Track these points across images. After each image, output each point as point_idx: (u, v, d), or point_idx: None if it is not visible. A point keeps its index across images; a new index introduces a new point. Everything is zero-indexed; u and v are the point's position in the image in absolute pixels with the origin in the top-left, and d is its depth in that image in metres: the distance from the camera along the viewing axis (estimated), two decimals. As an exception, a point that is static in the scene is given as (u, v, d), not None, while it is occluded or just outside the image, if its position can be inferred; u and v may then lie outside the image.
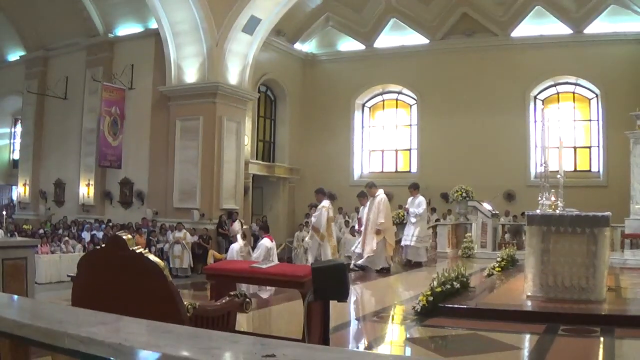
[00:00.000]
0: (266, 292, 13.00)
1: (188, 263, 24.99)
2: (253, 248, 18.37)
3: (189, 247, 25.20)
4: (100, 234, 26.19)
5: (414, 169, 34.31)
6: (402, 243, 19.17)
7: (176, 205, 28.30)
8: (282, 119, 35.50)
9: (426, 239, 19.59)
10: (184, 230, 25.63)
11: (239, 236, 18.10)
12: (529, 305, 10.71)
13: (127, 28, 31.47)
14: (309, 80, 35.98)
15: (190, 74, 28.27)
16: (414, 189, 19.44)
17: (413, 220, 18.86)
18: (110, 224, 28.48)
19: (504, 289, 13.19)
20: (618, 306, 10.77)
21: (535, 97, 31.93)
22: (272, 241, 15.63)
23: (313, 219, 17.35)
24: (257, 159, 33.14)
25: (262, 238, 16.28)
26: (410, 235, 18.82)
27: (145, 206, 29.75)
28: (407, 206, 19.35)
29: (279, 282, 7.60)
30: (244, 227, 23.84)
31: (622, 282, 13.88)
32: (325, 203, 17.25)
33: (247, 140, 30.82)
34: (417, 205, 19.03)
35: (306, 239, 19.55)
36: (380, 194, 17.33)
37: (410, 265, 18.60)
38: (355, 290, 13.76)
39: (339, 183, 31.97)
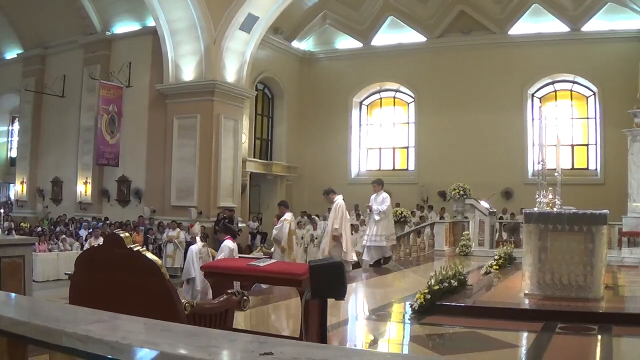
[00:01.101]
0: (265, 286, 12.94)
1: (180, 263, 24.83)
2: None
3: (182, 247, 24.84)
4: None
5: (411, 167, 34.43)
6: (364, 244, 18.60)
7: (173, 203, 28.30)
8: (279, 117, 35.55)
9: (392, 238, 18.82)
10: (178, 229, 25.56)
11: (198, 238, 18.12)
12: (526, 303, 10.71)
13: (124, 26, 31.45)
14: (306, 78, 36.03)
15: (188, 72, 28.24)
16: (378, 184, 18.89)
17: (377, 218, 18.19)
18: (108, 221, 28.55)
19: (501, 287, 13.15)
20: (615, 304, 10.74)
21: (532, 95, 31.97)
22: (234, 242, 15.65)
23: (275, 232, 17.13)
24: (254, 157, 33.16)
25: (224, 240, 16.29)
26: (373, 235, 18.21)
27: (143, 204, 29.77)
28: (370, 204, 18.58)
29: (277, 280, 7.61)
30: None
31: (619, 280, 13.87)
32: (287, 216, 17.10)
33: (244, 138, 30.82)
34: (381, 202, 18.33)
35: (272, 249, 19.42)
36: (338, 199, 17.34)
37: (380, 263, 18.14)
38: (353, 289, 13.66)
39: (337, 181, 31.94)
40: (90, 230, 26.50)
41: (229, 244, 15.77)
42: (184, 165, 28.20)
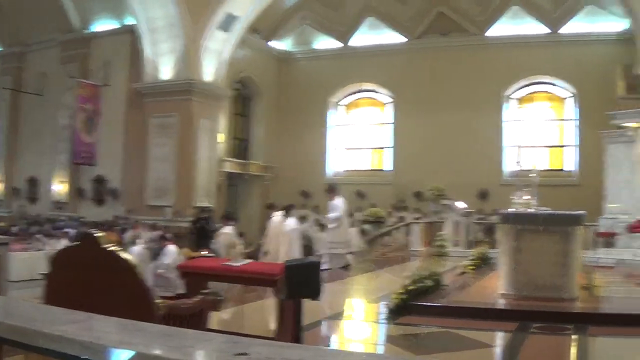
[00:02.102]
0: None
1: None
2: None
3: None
4: (73, 232, 25.93)
5: (388, 167, 34.36)
6: (320, 252, 18.58)
7: (150, 202, 28.18)
8: (257, 116, 35.42)
9: (348, 244, 18.80)
10: (140, 229, 25.28)
11: (139, 240, 18.14)
12: (501, 303, 10.81)
13: (103, 24, 31.31)
14: (284, 78, 35.89)
15: (166, 71, 28.14)
16: (331, 191, 18.76)
17: (330, 226, 18.15)
18: (83, 219, 28.34)
19: (476, 287, 13.26)
20: (591, 304, 10.83)
21: (509, 97, 32.00)
22: (176, 248, 15.70)
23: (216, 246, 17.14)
24: (231, 157, 32.99)
25: (166, 246, 16.26)
26: (329, 243, 18.18)
27: (119, 203, 29.65)
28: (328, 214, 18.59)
29: (252, 280, 7.80)
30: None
31: (595, 280, 13.96)
32: (228, 229, 17.22)
33: (222, 138, 30.72)
34: (334, 208, 18.18)
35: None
36: (274, 215, 17.63)
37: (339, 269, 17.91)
38: (328, 289, 13.65)
39: (314, 181, 32.19)
40: (66, 229, 26.30)
41: (172, 249, 15.85)
42: (161, 164, 28.13)
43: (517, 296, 10.88)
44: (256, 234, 30.80)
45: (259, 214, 32.69)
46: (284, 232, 17.69)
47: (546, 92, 31.92)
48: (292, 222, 18.20)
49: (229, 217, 19.20)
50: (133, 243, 18.39)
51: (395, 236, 24.05)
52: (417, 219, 27.20)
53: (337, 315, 10.98)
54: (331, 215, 18.07)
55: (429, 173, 29.37)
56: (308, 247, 24.99)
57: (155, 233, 25.54)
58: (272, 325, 6.77)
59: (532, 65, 30.70)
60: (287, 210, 18.77)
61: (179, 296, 6.68)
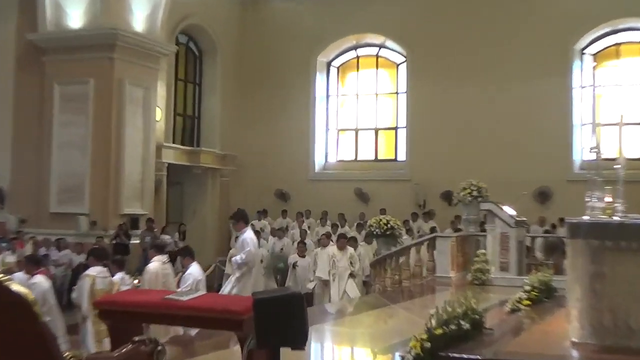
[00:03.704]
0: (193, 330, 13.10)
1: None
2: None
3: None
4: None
5: (401, 157, 34.77)
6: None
7: (54, 209, 28.38)
8: (211, 84, 35.65)
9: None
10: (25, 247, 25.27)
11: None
12: (575, 356, 10.72)
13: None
14: (250, 27, 36.13)
15: (75, 17, 28.30)
16: (238, 220, 18.34)
17: (237, 273, 17.69)
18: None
19: (536, 331, 13.08)
20: None
21: (581, 52, 31.92)
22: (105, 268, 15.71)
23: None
24: (174, 142, 33.25)
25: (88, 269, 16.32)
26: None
27: (6, 211, 29.39)
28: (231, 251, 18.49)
29: (207, 320, 7.85)
30: None
31: None
32: (156, 264, 17.06)
33: (159, 114, 30.92)
34: (241, 246, 17.67)
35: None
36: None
37: None
38: (317, 332, 13.45)
39: (295, 177, 33.04)
40: None
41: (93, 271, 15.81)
42: (70, 153, 28.25)
43: (598, 347, 10.60)
44: (211, 251, 30.83)
45: (214, 224, 33.21)
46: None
47: (638, 42, 31.81)
48: (195, 270, 17.44)
49: (159, 247, 18.62)
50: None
51: (414, 256, 23.99)
52: (458, 230, 27.19)
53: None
54: (237, 258, 17.61)
55: (460, 165, 29.61)
56: (282, 271, 24.91)
57: (65, 253, 25.47)
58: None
59: (614, 4, 30.51)
60: (180, 253, 18.63)
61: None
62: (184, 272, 17.00)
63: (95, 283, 16.23)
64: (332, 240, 23.87)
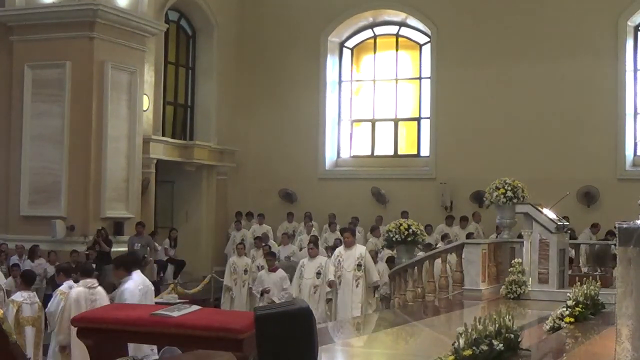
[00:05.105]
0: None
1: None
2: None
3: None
4: None
5: (424, 152, 34.94)
6: None
7: (25, 212, 28.37)
8: (205, 68, 35.87)
9: None
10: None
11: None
12: (628, 384, 9.98)
13: None
14: (251, 2, 36.46)
15: (50, -11, 27.67)
16: (120, 264, 15.63)
17: None
18: None
19: (580, 353, 12.76)
20: None
21: (637, 29, 31.62)
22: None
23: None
24: (164, 135, 33.34)
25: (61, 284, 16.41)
26: None
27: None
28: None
29: (202, 339, 8.12)
30: None
31: None
32: (64, 286, 16.34)
33: (146, 102, 31.06)
34: (122, 296, 15.10)
35: None
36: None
37: None
38: (328, 353, 13.32)
39: (302, 175, 33.93)
40: None
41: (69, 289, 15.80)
42: (44, 147, 28.30)
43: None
44: (207, 260, 30.62)
45: (210, 230, 33.70)
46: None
47: None
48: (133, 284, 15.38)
49: (87, 271, 16.87)
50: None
51: (439, 266, 23.26)
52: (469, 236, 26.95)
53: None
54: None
55: (493, 162, 29.69)
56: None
57: (39, 263, 25.04)
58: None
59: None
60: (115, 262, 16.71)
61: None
62: (117, 289, 15.72)
63: (22, 310, 16.40)
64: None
